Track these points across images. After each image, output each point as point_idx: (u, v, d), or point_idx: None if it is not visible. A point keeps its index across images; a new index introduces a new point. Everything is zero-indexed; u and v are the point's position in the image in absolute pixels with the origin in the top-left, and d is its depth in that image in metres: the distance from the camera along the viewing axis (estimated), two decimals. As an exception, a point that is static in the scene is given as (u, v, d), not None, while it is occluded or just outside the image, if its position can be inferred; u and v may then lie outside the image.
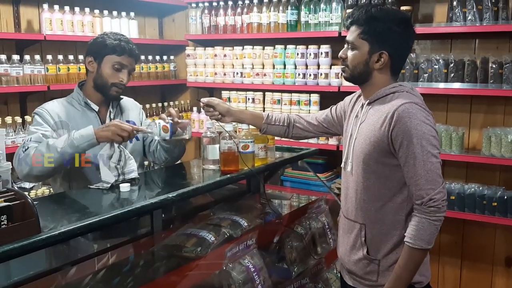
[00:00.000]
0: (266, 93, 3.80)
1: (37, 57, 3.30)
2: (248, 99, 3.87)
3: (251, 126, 2.14)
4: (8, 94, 3.33)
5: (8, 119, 3.14)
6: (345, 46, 1.79)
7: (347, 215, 1.86)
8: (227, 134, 2.06)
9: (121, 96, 2.26)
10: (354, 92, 1.99)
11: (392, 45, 1.71)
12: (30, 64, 3.26)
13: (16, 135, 3.16)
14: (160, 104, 4.21)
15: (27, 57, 3.26)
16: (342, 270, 1.95)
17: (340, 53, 1.80)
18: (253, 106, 3.83)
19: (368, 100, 1.78)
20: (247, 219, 2.02)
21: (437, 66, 3.14)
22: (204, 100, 2.10)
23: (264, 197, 2.34)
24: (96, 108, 2.15)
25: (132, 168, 1.95)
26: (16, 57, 3.19)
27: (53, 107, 2.11)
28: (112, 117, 2.18)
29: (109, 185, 1.85)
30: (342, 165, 1.87)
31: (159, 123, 2.01)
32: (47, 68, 3.33)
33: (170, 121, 2.03)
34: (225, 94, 3.99)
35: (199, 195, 1.93)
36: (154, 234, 1.85)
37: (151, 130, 2.07)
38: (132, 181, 1.92)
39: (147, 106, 4.03)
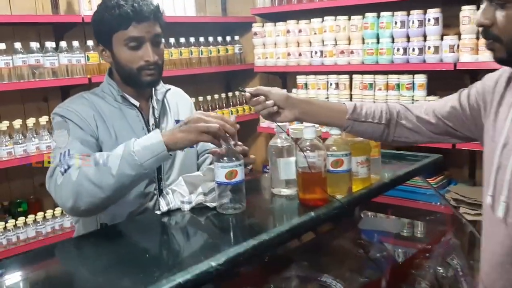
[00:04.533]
0: (354, 75, 3.18)
1: (76, 43, 2.83)
2: (331, 84, 3.26)
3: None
4: (47, 89, 2.89)
5: (43, 120, 2.68)
6: (484, 5, 1.14)
7: None
8: (308, 143, 1.33)
9: (168, 86, 1.72)
10: (490, 70, 1.29)
11: None
12: (67, 52, 2.81)
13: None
14: (223, 95, 3.67)
15: (63, 44, 2.78)
16: None
17: (479, 19, 1.14)
18: (337, 93, 3.24)
19: None
20: (344, 279, 1.27)
21: None
22: (250, 89, 1.38)
23: (362, 236, 1.57)
24: (136, 103, 1.63)
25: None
26: (50, 44, 2.74)
27: (82, 107, 1.55)
28: (156, 115, 1.66)
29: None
30: (488, 201, 1.19)
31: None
32: (87, 56, 2.87)
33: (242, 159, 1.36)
34: (300, 79, 3.43)
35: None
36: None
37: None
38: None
39: (208, 98, 3.56)
